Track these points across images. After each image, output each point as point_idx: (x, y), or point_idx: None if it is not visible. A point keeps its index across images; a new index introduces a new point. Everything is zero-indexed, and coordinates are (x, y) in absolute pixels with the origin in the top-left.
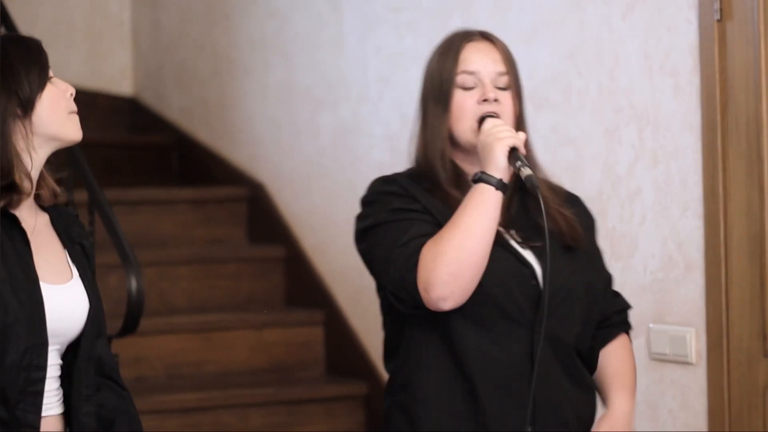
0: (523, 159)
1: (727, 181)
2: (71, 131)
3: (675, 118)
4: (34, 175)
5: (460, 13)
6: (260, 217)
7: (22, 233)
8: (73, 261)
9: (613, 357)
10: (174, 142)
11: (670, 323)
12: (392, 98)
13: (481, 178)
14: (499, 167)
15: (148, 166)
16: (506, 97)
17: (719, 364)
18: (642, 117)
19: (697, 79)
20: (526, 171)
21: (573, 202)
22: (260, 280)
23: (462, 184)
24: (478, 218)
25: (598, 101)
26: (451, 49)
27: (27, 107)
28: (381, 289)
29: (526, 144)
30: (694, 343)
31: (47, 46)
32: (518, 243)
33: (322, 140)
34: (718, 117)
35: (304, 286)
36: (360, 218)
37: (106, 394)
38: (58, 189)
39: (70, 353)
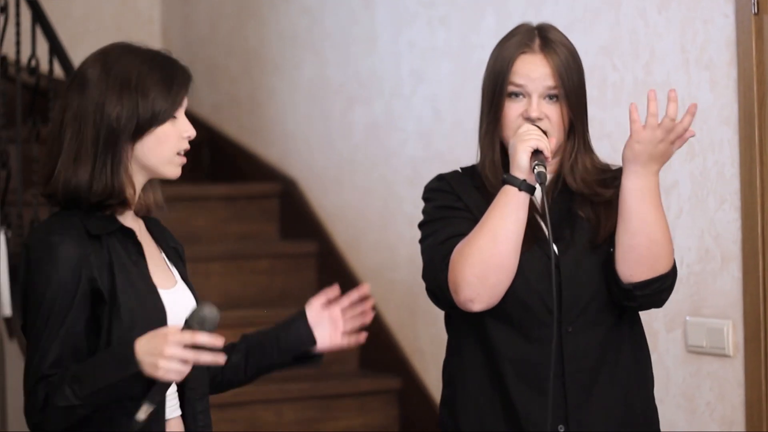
0: (542, 159)
1: (765, 173)
2: (169, 171)
3: (711, 111)
4: (138, 186)
5: (494, 8)
6: (292, 213)
7: (137, 245)
8: (173, 265)
9: None
10: (204, 139)
11: (707, 316)
12: (425, 93)
13: (506, 180)
14: (522, 168)
15: None
16: (553, 110)
17: (756, 356)
18: (678, 111)
19: (734, 72)
20: (538, 168)
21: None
22: (293, 275)
23: None
24: (502, 221)
25: (634, 95)
26: (506, 54)
27: (136, 135)
28: None
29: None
30: (732, 335)
31: (77, 43)
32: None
33: (355, 136)
34: (756, 110)
35: (336, 282)
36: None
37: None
38: (153, 204)
39: None
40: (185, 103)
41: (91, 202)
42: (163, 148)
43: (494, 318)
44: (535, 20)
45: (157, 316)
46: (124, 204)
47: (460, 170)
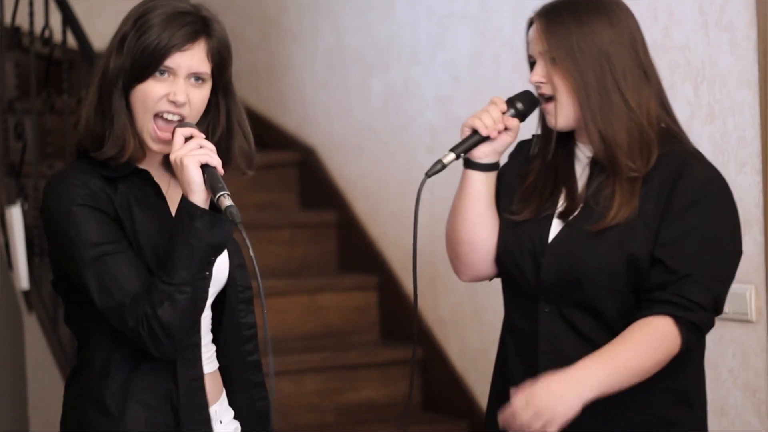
0: (473, 142)
1: None
2: (146, 137)
3: (731, 73)
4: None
5: None
6: (312, 182)
7: (156, 187)
8: None
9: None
10: None
11: None
12: (443, 60)
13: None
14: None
15: None
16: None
17: None
18: (698, 73)
19: (753, 33)
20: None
21: (674, 175)
22: (313, 245)
23: None
24: (456, 198)
25: (653, 58)
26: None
27: (127, 86)
28: None
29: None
30: (754, 300)
31: (95, 15)
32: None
33: (374, 104)
34: None
35: (357, 251)
36: None
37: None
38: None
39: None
40: (189, 65)
41: (94, 150)
42: (142, 106)
43: (504, 287)
44: None
45: None
46: (122, 155)
47: None
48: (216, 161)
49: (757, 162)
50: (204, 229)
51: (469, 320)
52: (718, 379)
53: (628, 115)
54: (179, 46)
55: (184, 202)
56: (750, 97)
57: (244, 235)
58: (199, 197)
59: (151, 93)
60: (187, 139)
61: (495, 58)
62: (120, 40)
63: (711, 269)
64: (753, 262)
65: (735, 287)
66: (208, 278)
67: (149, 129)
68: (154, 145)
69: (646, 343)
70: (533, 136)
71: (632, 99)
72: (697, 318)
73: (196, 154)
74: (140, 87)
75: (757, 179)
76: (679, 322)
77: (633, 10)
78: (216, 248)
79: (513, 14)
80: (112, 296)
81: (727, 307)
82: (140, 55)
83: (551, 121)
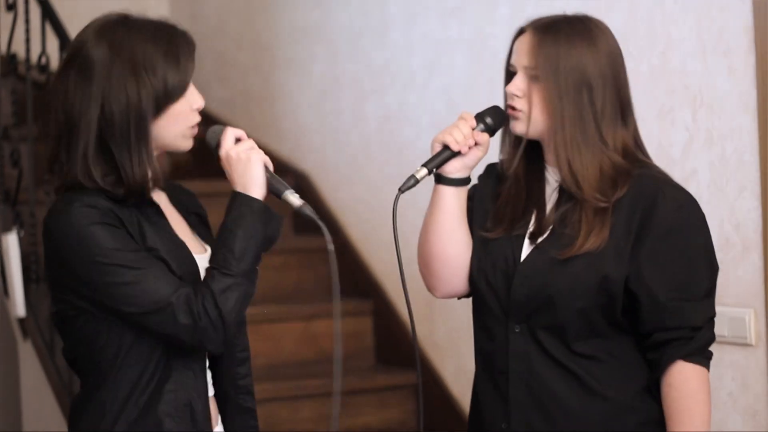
0: (443, 158)
1: None
2: (184, 144)
3: (729, 98)
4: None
5: None
6: None
7: (155, 207)
8: (196, 232)
9: (666, 395)
10: None
11: (729, 305)
12: (438, 85)
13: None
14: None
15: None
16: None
17: None
18: (696, 98)
19: (752, 58)
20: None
21: (645, 201)
22: (307, 271)
23: None
24: (428, 212)
25: (651, 83)
26: None
27: (157, 111)
28: None
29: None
30: (753, 324)
31: None
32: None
33: (368, 129)
34: None
35: (351, 276)
36: None
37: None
38: (163, 174)
39: None
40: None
41: (129, 190)
42: (178, 125)
43: (474, 308)
44: (550, 10)
45: (190, 266)
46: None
47: None
48: (270, 165)
49: (756, 187)
50: (263, 223)
51: (465, 344)
52: (717, 402)
53: (601, 149)
54: (190, 75)
55: (243, 196)
56: (748, 122)
57: (321, 224)
58: (260, 192)
59: (186, 107)
60: (237, 140)
61: (490, 84)
62: (133, 67)
63: (698, 290)
64: (752, 287)
65: (734, 311)
66: (257, 273)
67: (186, 133)
68: (189, 144)
69: (699, 399)
70: (500, 159)
71: (608, 134)
72: (702, 340)
73: (259, 151)
74: (174, 107)
75: (755, 204)
76: (693, 358)
77: (632, 33)
78: (270, 241)
79: (509, 39)
80: (153, 298)
81: (727, 331)
82: (174, 77)
83: (518, 128)
